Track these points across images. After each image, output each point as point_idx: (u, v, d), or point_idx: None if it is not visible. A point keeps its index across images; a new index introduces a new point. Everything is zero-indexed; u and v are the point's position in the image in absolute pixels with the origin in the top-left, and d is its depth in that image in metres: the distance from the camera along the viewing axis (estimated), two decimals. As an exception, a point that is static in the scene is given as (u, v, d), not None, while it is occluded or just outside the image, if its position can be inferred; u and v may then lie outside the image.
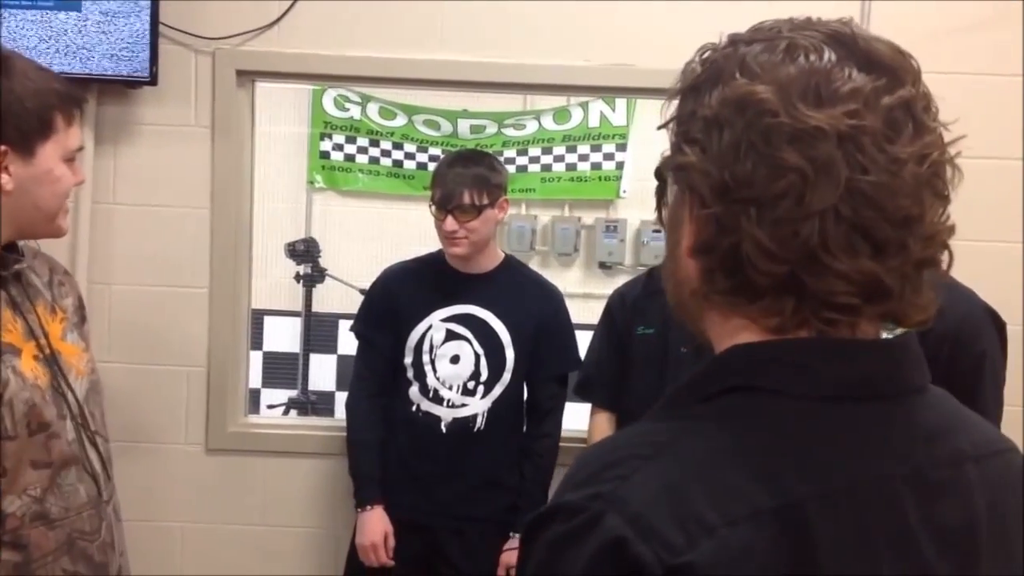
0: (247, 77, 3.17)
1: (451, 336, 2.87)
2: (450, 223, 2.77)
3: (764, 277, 0.81)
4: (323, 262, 5.08)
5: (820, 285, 0.80)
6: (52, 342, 1.78)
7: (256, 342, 4.72)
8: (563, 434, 3.07)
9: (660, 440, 0.81)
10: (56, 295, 1.86)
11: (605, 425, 2.98)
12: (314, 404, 5.16)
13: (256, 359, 5.04)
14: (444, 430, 2.85)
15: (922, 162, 0.81)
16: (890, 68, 0.82)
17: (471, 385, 2.87)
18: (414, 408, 2.88)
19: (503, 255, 2.99)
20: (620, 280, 5.15)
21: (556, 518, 0.78)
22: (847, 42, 0.83)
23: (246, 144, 3.23)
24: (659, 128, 0.92)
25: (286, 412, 5.13)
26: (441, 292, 2.90)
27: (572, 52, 3.11)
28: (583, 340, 3.06)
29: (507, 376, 2.88)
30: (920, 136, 0.81)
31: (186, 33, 3.05)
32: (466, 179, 2.77)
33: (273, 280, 5.22)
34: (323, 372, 5.46)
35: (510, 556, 2.86)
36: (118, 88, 3.03)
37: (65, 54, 2.92)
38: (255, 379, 5.09)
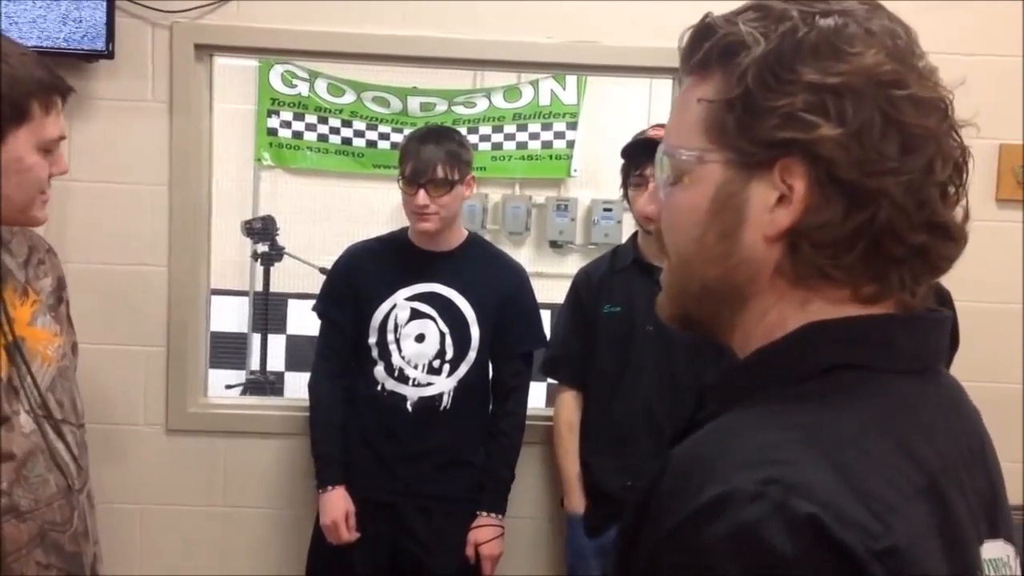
0: (205, 51, 3.12)
1: (416, 315, 2.86)
2: (422, 197, 2.74)
3: (901, 247, 0.82)
4: (280, 240, 5.02)
5: (944, 251, 0.84)
6: (17, 328, 1.73)
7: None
8: (529, 413, 3.08)
9: (802, 422, 0.78)
10: (31, 276, 1.81)
11: (572, 402, 3.00)
12: (272, 384, 5.11)
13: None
14: (410, 409, 2.84)
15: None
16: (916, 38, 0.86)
17: (436, 364, 2.86)
18: (379, 388, 2.86)
19: (467, 233, 2.98)
20: (571, 259, 5.19)
21: (722, 509, 0.71)
22: (891, 18, 0.85)
23: (204, 120, 3.17)
24: (728, 99, 0.84)
25: (244, 392, 5.08)
26: (405, 270, 2.88)
27: (533, 29, 3.10)
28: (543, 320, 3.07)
29: (472, 354, 2.87)
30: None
31: (143, 5, 2.99)
32: (438, 154, 2.75)
33: (221, 259, 5.14)
34: (274, 352, 5.41)
35: (478, 533, 2.87)
36: (74, 62, 2.95)
37: (20, 27, 2.84)
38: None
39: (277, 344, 5.48)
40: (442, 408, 2.85)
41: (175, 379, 3.16)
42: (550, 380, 3.31)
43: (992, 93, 2.99)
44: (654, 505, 0.79)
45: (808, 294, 0.85)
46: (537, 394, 3.40)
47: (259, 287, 5.27)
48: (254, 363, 5.36)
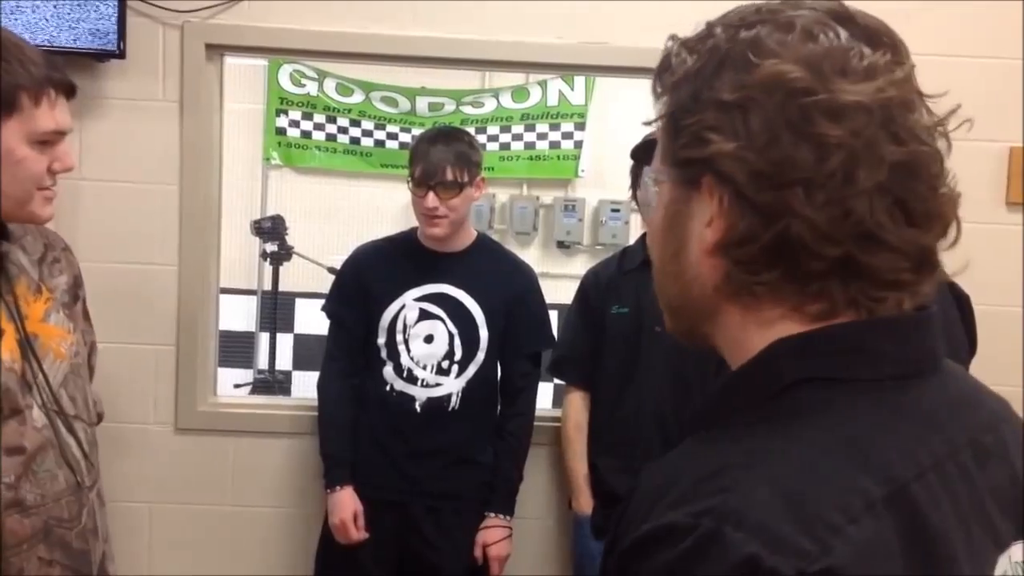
0: (216, 51, 3.12)
1: (424, 316, 2.86)
2: (431, 200, 2.74)
3: (819, 261, 0.79)
4: (289, 240, 5.03)
5: (876, 262, 0.79)
6: (30, 324, 1.73)
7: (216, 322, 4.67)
8: (537, 414, 3.09)
9: (749, 446, 0.78)
10: (45, 273, 1.81)
11: (579, 403, 3.00)
12: (280, 383, 5.12)
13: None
14: (418, 409, 2.85)
15: (936, 131, 0.82)
16: (891, 43, 0.82)
17: (445, 364, 2.86)
18: (388, 388, 2.87)
19: (476, 234, 2.98)
20: (578, 259, 5.19)
21: (660, 543, 0.72)
22: (847, 19, 0.82)
23: (214, 119, 3.18)
24: (649, 123, 0.88)
25: (252, 391, 5.09)
26: (414, 271, 2.88)
27: (541, 29, 3.10)
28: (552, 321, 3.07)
29: (481, 355, 2.87)
30: (926, 106, 0.82)
31: (154, 5, 3.00)
32: (448, 156, 2.75)
33: (228, 258, 5.15)
34: (281, 351, 5.42)
35: (487, 534, 2.87)
36: (85, 61, 2.96)
37: (32, 27, 2.85)
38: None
39: (285, 343, 5.49)
40: (451, 408, 2.86)
41: (184, 378, 3.17)
42: (557, 381, 3.30)
43: (1000, 96, 3.00)
44: (623, 522, 0.81)
45: (754, 312, 0.84)
46: (545, 395, 3.39)
47: (267, 286, 5.28)
48: (262, 362, 5.37)
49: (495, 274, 2.92)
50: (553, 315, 3.11)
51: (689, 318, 0.90)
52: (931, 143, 0.81)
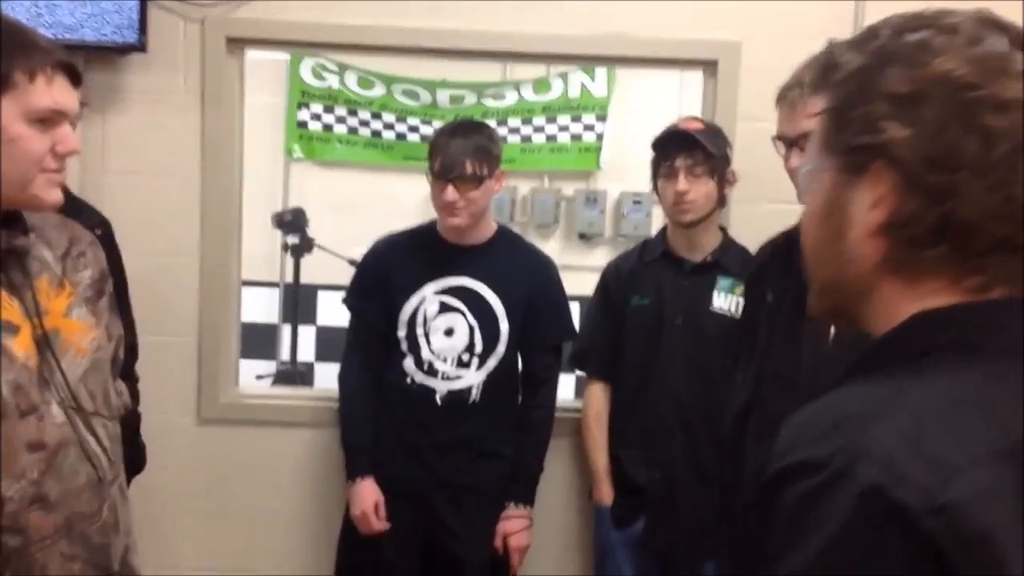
0: (237, 44, 3.14)
1: (445, 308, 2.86)
2: (450, 193, 2.74)
3: (984, 240, 0.88)
4: (310, 232, 5.04)
5: None
6: (51, 319, 1.73)
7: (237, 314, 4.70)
8: (558, 405, 3.09)
9: (885, 395, 0.86)
10: (69, 268, 1.81)
11: (600, 395, 3.00)
12: (302, 375, 5.14)
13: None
14: (439, 402, 2.85)
15: None
16: None
17: (465, 358, 2.86)
18: (408, 380, 2.87)
19: (496, 226, 2.97)
20: (600, 251, 5.17)
21: (798, 475, 0.83)
22: (1000, 27, 0.91)
23: (235, 112, 3.19)
24: (818, 114, 0.97)
25: (274, 383, 5.11)
26: (434, 264, 2.88)
27: (561, 20, 3.10)
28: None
29: (501, 348, 2.87)
30: None
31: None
32: (467, 149, 2.74)
33: (249, 250, 5.17)
34: (304, 343, 5.43)
35: (507, 525, 2.88)
36: (107, 55, 2.98)
37: (55, 20, 2.87)
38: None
39: (307, 335, 5.50)
40: (471, 401, 2.86)
41: (206, 370, 3.19)
42: (579, 373, 3.30)
43: None
44: (770, 459, 0.91)
45: (913, 286, 0.92)
46: (567, 386, 3.40)
47: (289, 278, 5.29)
48: (284, 354, 5.39)
49: (515, 267, 2.92)
50: (575, 307, 3.11)
51: (841, 296, 0.99)
52: None
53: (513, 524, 2.88)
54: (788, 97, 2.10)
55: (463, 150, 2.73)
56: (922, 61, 0.88)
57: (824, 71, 0.97)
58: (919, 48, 0.89)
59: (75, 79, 1.69)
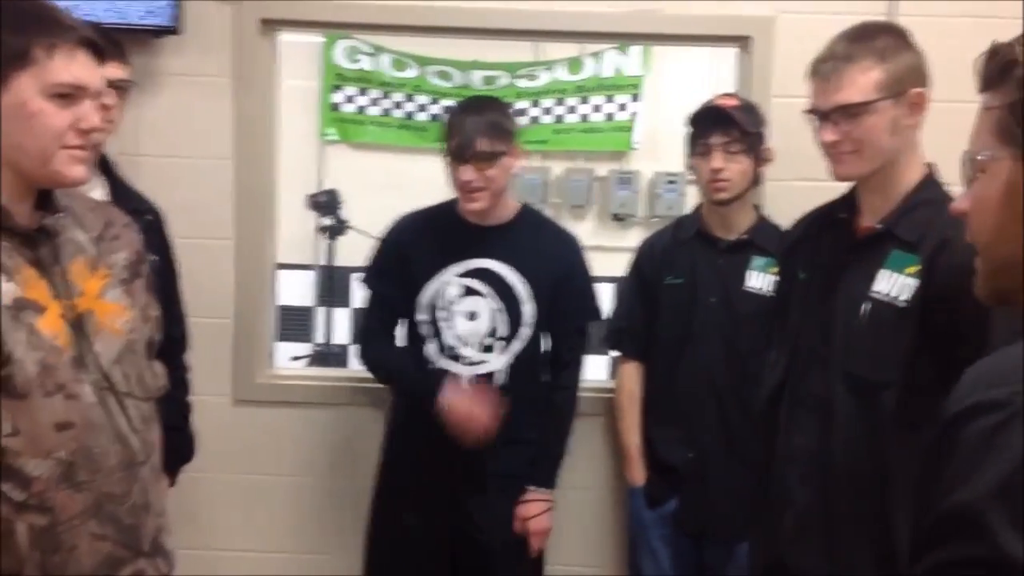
0: (270, 26, 3.15)
1: (467, 292, 2.79)
2: (467, 172, 2.68)
3: None
4: (343, 214, 5.06)
5: None
6: (86, 301, 1.74)
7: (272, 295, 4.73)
8: (588, 385, 3.08)
9: None
10: (104, 250, 1.82)
11: (634, 374, 2.99)
12: (337, 357, 5.17)
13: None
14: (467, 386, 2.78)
15: None
16: None
17: (489, 342, 2.80)
18: (431, 366, 2.81)
19: (519, 205, 2.90)
20: (634, 232, 5.14)
21: (980, 413, 0.93)
22: None
23: (269, 95, 3.21)
24: (995, 108, 1.07)
25: (310, 363, 5.14)
26: (455, 246, 2.81)
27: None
28: (600, 291, 3.01)
29: (526, 331, 2.80)
30: None
31: (209, -19, 3.03)
32: (481, 125, 2.67)
33: (285, 233, 5.19)
34: (338, 325, 5.46)
35: (526, 508, 2.82)
36: (142, 37, 3.00)
37: (90, 4, 2.89)
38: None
39: (342, 317, 5.53)
40: (497, 386, 2.79)
41: (242, 351, 3.22)
42: (613, 352, 3.28)
43: None
44: (950, 402, 1.00)
45: None
46: (599, 366, 3.39)
47: (324, 261, 5.32)
48: (319, 336, 5.42)
49: (539, 247, 2.84)
50: (609, 288, 3.09)
51: (1016, 276, 1.08)
52: None
53: (533, 507, 2.82)
54: (821, 71, 2.08)
55: (477, 127, 2.67)
56: None
57: (1001, 68, 1.06)
58: None
59: (99, 56, 1.69)
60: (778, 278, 2.50)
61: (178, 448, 2.55)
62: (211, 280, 3.17)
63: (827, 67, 2.06)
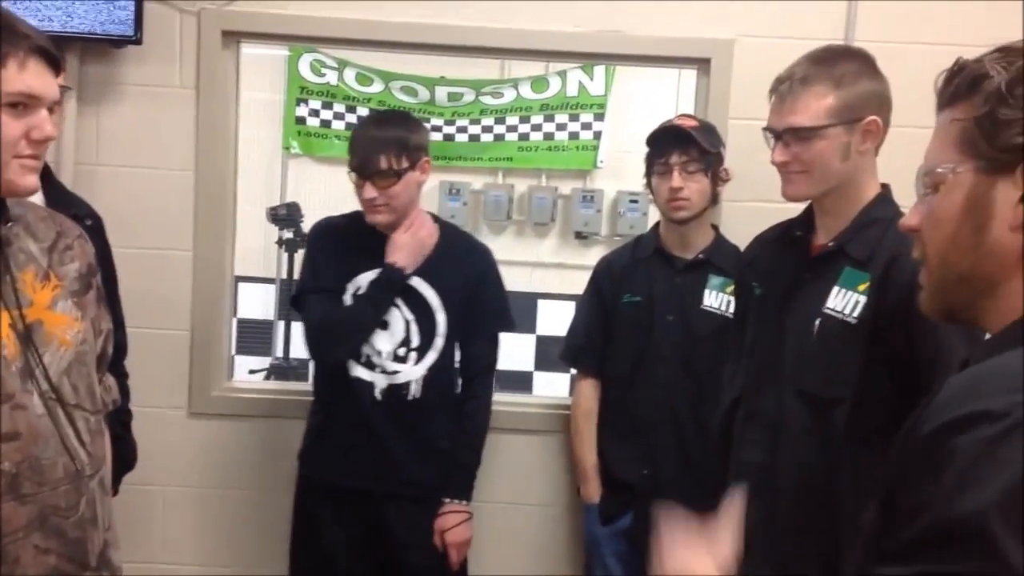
0: (232, 38, 3.14)
1: None
2: (369, 190, 2.66)
3: None
4: (304, 227, 5.05)
5: None
6: (35, 311, 1.72)
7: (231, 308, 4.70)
8: (547, 401, 3.09)
9: None
10: (55, 261, 1.80)
11: (590, 392, 3.00)
12: (295, 369, 5.14)
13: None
14: (379, 397, 2.75)
15: None
16: None
17: (402, 352, 2.76)
18: (347, 374, 2.76)
19: (429, 216, 2.86)
20: (596, 250, 5.18)
21: (977, 422, 0.91)
22: None
23: (230, 106, 3.20)
24: (959, 120, 1.08)
25: (267, 377, 5.12)
26: (367, 255, 2.76)
27: (557, 18, 3.10)
28: (560, 309, 3.02)
29: (440, 342, 2.77)
30: None
31: (171, -8, 3.02)
32: (382, 143, 2.65)
33: (245, 246, 5.17)
34: (298, 339, 5.43)
35: (443, 521, 2.77)
36: (102, 47, 2.99)
37: (49, 12, 2.87)
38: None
39: (301, 331, 5.51)
40: (411, 397, 2.76)
41: (198, 363, 3.19)
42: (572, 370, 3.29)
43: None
44: (926, 413, 0.99)
45: None
46: (560, 383, 3.39)
47: (284, 275, 5.30)
48: (280, 350, 5.40)
49: (450, 257, 2.81)
50: (571, 305, 3.09)
51: (967, 291, 1.10)
52: None
53: (449, 519, 2.77)
54: (779, 90, 2.11)
55: (379, 145, 2.65)
56: None
57: (970, 82, 1.08)
58: None
59: (54, 65, 1.68)
60: (735, 295, 2.53)
61: (121, 456, 2.52)
62: (169, 291, 3.15)
63: (784, 88, 2.09)
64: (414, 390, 2.76)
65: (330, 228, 2.91)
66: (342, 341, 2.77)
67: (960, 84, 1.10)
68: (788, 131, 2.07)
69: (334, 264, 2.80)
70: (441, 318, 2.77)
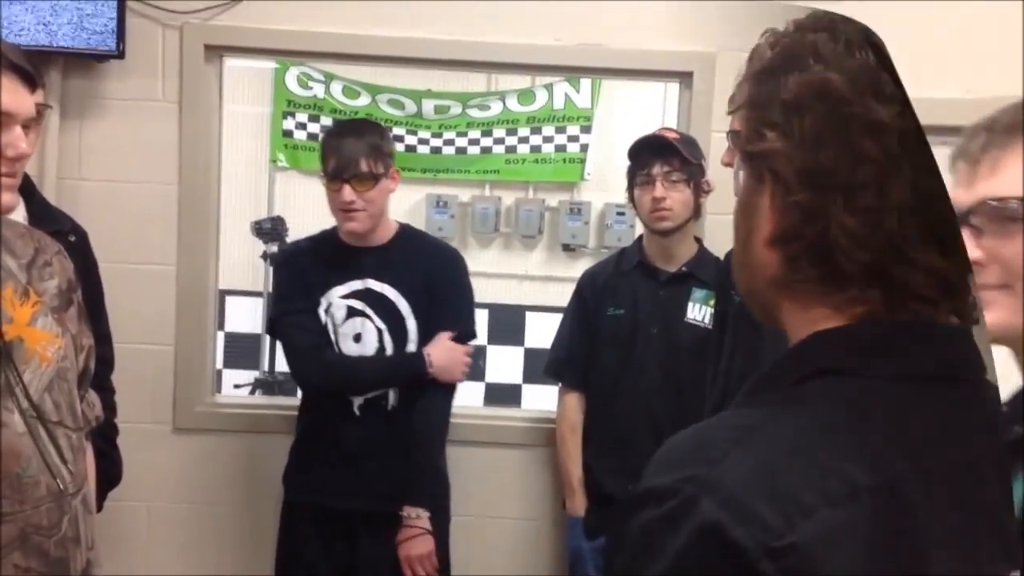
0: (215, 52, 3.14)
1: (352, 313, 2.76)
2: (348, 193, 2.65)
3: (852, 265, 0.82)
4: (289, 241, 5.04)
5: (906, 277, 0.82)
6: (15, 328, 1.71)
7: (219, 322, 4.69)
8: (534, 415, 3.08)
9: (750, 423, 0.81)
10: (35, 277, 1.79)
11: (575, 405, 2.99)
12: (280, 384, 5.12)
13: (218, 339, 4.99)
14: (357, 411, 2.75)
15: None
16: (899, 81, 0.84)
17: None
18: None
19: (398, 225, 2.87)
20: (583, 262, 5.18)
21: (648, 503, 0.78)
22: (877, 44, 0.85)
23: (214, 120, 3.20)
24: (731, 112, 0.92)
25: (252, 392, 5.10)
26: (337, 269, 2.78)
27: (541, 32, 3.11)
28: (548, 322, 3.01)
29: (412, 347, 2.76)
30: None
31: (153, 6, 3.02)
32: (361, 148, 2.66)
33: (231, 260, 5.17)
34: (282, 353, 5.43)
35: (400, 533, 2.70)
36: (85, 62, 2.98)
37: (31, 27, 2.87)
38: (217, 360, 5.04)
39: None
40: (390, 408, 2.76)
41: (183, 378, 3.18)
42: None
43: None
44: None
45: (806, 310, 0.87)
46: (547, 396, 3.37)
47: (271, 288, 5.29)
48: (265, 364, 5.38)
49: (417, 263, 2.80)
50: (559, 318, 3.09)
51: (760, 304, 0.93)
52: (940, 176, 0.83)
53: (404, 532, 2.70)
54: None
55: (357, 149, 2.66)
56: (809, 66, 0.83)
57: (748, 61, 0.90)
58: (811, 51, 0.84)
59: (29, 82, 1.67)
60: (715, 300, 2.54)
61: (105, 472, 2.51)
62: (153, 306, 3.14)
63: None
64: (392, 401, 2.76)
65: (297, 252, 2.94)
66: (336, 386, 2.77)
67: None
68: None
69: (304, 284, 2.81)
70: (411, 324, 2.77)
